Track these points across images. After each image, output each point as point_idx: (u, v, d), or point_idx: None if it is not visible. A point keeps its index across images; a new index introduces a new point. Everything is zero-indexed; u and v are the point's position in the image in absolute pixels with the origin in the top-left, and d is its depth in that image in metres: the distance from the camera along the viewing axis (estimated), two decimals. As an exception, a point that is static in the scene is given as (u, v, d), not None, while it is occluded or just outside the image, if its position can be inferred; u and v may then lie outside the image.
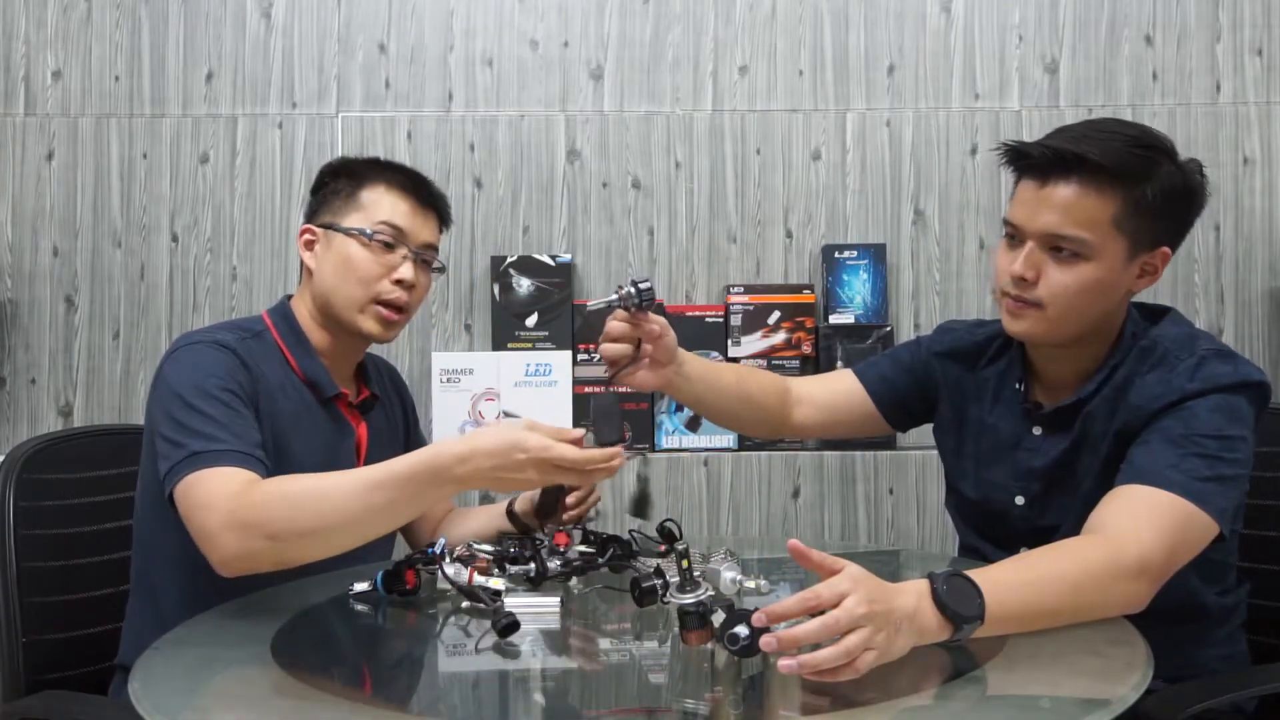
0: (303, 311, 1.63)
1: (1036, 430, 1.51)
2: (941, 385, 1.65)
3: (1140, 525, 1.26)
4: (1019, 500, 1.51)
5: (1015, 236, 1.42)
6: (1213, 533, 1.31)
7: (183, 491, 1.33)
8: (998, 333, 1.59)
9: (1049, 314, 1.40)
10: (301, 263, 1.64)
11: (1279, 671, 1.45)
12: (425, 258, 1.63)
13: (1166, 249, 1.42)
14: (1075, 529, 1.40)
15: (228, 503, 1.29)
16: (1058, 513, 1.47)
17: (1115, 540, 1.24)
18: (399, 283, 1.58)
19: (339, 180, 1.63)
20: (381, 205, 1.60)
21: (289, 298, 1.67)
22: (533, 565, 1.43)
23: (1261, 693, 1.35)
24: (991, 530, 1.56)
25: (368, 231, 1.57)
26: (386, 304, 1.59)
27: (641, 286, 1.46)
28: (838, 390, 1.73)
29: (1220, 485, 1.31)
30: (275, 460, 1.47)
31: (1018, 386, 1.54)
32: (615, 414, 1.31)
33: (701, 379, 1.62)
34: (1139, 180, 1.36)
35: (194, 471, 1.33)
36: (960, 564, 1.41)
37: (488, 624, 1.29)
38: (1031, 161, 1.40)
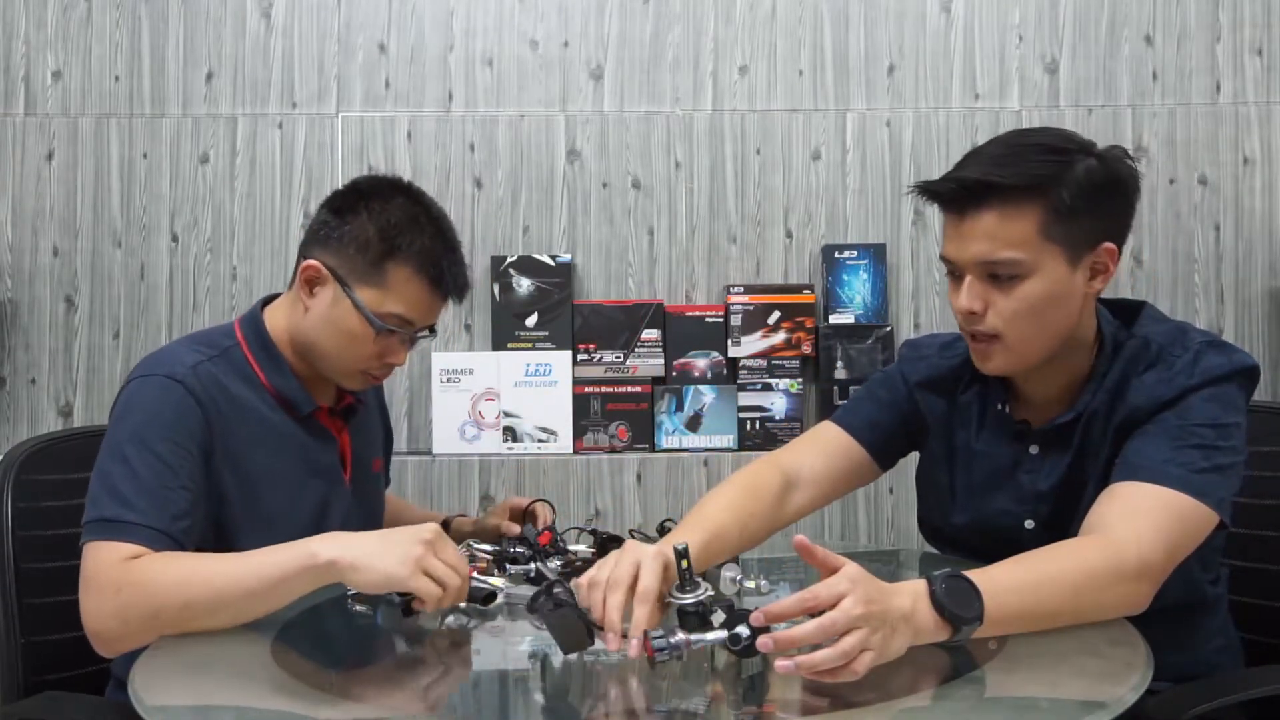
0: (279, 329, 1.54)
1: (1034, 449, 1.46)
2: (928, 416, 1.58)
3: (1140, 525, 1.25)
4: (1029, 524, 1.46)
5: (954, 273, 1.40)
6: (1213, 523, 1.30)
7: (85, 554, 1.32)
8: (969, 356, 1.52)
9: (1009, 342, 1.37)
10: (294, 279, 1.54)
11: (1278, 673, 1.46)
12: (422, 335, 1.55)
13: (1110, 244, 1.37)
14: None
15: (115, 580, 1.28)
16: (1069, 526, 1.41)
17: (1116, 541, 1.23)
18: (389, 364, 1.53)
19: (369, 226, 1.47)
20: (401, 294, 1.47)
21: (264, 304, 1.58)
22: (533, 565, 1.43)
23: (1262, 694, 1.35)
24: (999, 556, 1.38)
25: (376, 322, 1.47)
26: (371, 375, 1.54)
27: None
28: (830, 452, 1.59)
29: (1219, 475, 1.30)
30: (246, 486, 1.45)
31: (1001, 408, 1.49)
32: (578, 626, 1.12)
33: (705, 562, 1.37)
34: (1052, 187, 1.32)
35: (99, 540, 1.31)
36: (959, 564, 1.41)
37: (486, 624, 1.29)
38: (942, 197, 1.37)
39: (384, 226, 1.47)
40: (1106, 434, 1.40)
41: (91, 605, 1.29)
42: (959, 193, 1.34)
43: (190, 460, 1.39)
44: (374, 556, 1.24)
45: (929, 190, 1.39)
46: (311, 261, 1.49)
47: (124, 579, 1.27)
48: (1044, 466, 1.45)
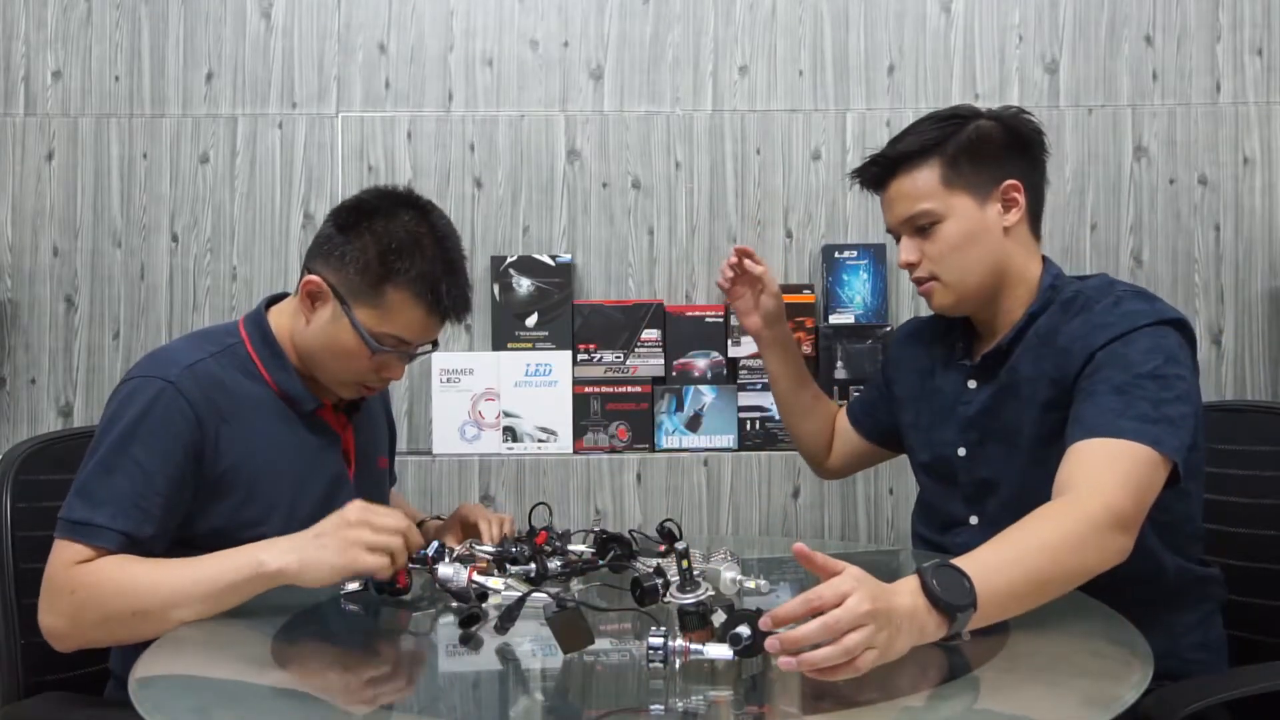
0: (284, 331, 1.55)
1: (971, 384, 1.62)
2: (901, 365, 1.77)
3: (1103, 478, 1.29)
4: (960, 452, 1.62)
5: (897, 239, 1.62)
6: (1168, 469, 1.35)
7: (51, 552, 1.36)
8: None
9: (945, 279, 1.57)
10: (299, 287, 1.53)
11: (1277, 672, 1.46)
12: (422, 351, 1.56)
13: (1013, 181, 1.56)
14: (1018, 485, 1.51)
15: (69, 582, 1.33)
16: (996, 464, 1.56)
17: (1083, 498, 1.27)
18: (385, 377, 1.54)
19: (371, 247, 1.46)
20: (398, 317, 1.48)
21: (268, 305, 1.59)
22: (533, 565, 1.43)
23: (1260, 691, 1.35)
24: (941, 488, 1.66)
25: (372, 343, 1.47)
26: (366, 386, 1.56)
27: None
28: (842, 438, 1.92)
29: (1169, 426, 1.36)
30: (247, 481, 1.45)
31: (961, 348, 1.66)
32: (580, 627, 1.14)
33: (786, 357, 1.86)
34: (943, 144, 1.55)
35: (64, 539, 1.36)
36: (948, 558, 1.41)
37: (488, 625, 1.29)
38: (865, 179, 1.63)
39: (384, 249, 1.47)
40: (1038, 378, 1.51)
41: (46, 603, 1.34)
42: (875, 171, 1.61)
43: (171, 466, 1.40)
44: (315, 553, 1.29)
45: (858, 178, 1.64)
46: (314, 277, 1.50)
47: (77, 581, 1.32)
48: (975, 398, 1.61)
